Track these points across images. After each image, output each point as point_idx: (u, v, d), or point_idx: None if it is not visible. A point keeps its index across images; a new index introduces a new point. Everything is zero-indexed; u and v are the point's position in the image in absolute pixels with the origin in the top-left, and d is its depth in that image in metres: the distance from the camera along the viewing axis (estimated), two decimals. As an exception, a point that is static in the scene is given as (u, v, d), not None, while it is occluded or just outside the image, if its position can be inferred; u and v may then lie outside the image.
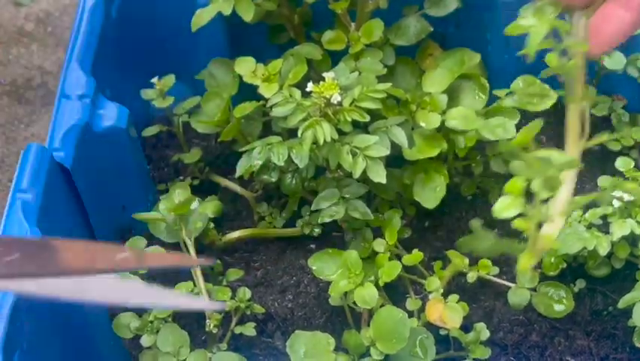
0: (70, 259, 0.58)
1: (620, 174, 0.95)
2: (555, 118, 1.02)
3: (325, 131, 0.82)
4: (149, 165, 1.03)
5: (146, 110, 1.03)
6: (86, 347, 0.81)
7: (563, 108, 0.91)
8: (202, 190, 1.01)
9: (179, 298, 0.67)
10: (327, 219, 0.89)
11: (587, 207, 0.93)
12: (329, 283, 0.93)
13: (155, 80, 0.97)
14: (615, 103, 1.04)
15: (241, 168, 0.88)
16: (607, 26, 0.72)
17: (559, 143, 0.76)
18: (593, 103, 1.04)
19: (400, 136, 0.86)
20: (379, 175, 0.83)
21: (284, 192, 0.94)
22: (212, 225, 0.94)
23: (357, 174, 0.83)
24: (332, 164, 0.85)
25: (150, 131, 1.00)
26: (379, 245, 0.89)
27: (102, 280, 0.58)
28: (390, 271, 0.86)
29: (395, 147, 0.90)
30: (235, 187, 1.01)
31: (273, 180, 0.91)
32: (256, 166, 0.86)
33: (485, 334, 0.84)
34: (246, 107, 0.91)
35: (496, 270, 0.90)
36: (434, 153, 0.90)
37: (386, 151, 0.84)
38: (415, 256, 0.88)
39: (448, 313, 0.84)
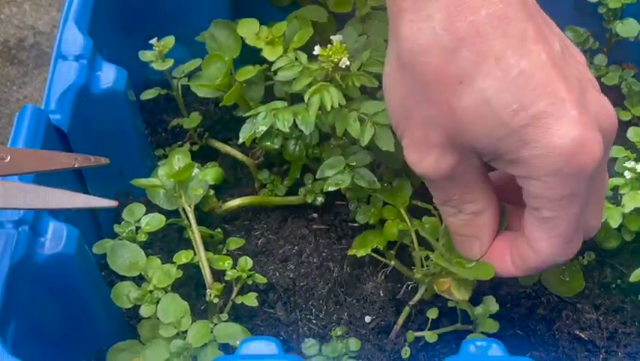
0: None
1: (631, 144, 0.92)
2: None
3: (333, 97, 0.80)
4: (146, 130, 1.00)
5: (145, 73, 0.99)
6: (84, 316, 0.79)
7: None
8: (201, 156, 0.98)
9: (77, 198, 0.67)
10: (332, 188, 0.86)
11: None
12: (331, 253, 0.91)
13: (154, 41, 0.93)
14: (626, 72, 1.02)
15: (244, 134, 0.85)
16: (492, 261, 0.75)
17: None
18: (603, 72, 1.02)
19: None
20: (388, 143, 0.81)
21: (286, 159, 0.91)
22: (212, 192, 0.91)
23: (365, 141, 0.80)
24: (339, 131, 0.82)
25: (149, 94, 0.97)
26: (389, 212, 0.86)
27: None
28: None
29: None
30: (236, 153, 0.98)
31: (276, 146, 0.88)
32: (260, 132, 0.83)
33: (495, 307, 0.82)
34: (249, 71, 0.88)
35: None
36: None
37: None
38: (426, 222, 0.85)
39: (456, 285, 0.81)
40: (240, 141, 0.85)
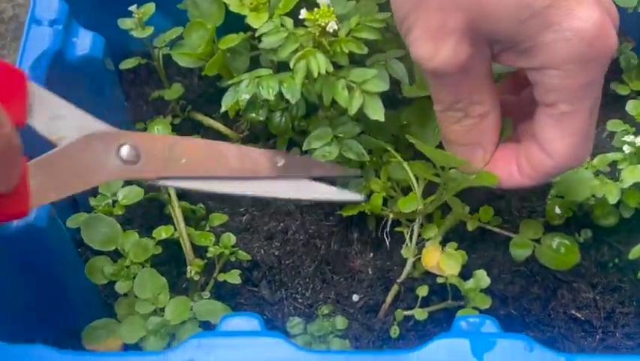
0: (236, 164, 0.68)
1: (629, 118, 0.89)
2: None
3: (320, 63, 0.76)
4: (126, 103, 0.96)
5: (124, 42, 0.95)
6: (57, 293, 0.76)
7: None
8: (183, 130, 0.95)
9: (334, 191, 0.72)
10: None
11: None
12: (318, 230, 0.88)
13: (133, 8, 0.89)
14: (624, 45, 0.99)
15: (226, 103, 0.81)
16: (496, 170, 0.73)
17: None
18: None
19: (400, 70, 0.80)
20: (377, 112, 0.77)
21: (272, 132, 0.88)
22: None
23: (353, 110, 0.76)
24: (326, 100, 0.78)
25: (128, 63, 0.93)
26: (375, 184, 0.83)
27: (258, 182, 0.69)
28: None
29: (391, 86, 0.84)
30: (219, 127, 0.94)
31: (261, 118, 0.84)
32: (243, 102, 0.79)
33: (486, 281, 0.78)
34: (233, 39, 0.84)
35: (498, 220, 0.85)
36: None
37: (385, 86, 0.77)
38: (410, 199, 0.82)
39: (445, 260, 0.79)
40: (222, 110, 0.81)
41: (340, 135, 0.82)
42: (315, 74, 0.75)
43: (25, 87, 0.60)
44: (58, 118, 0.63)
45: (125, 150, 0.64)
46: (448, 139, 0.74)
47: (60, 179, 0.62)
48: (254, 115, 0.84)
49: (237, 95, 0.79)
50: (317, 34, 0.76)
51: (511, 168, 0.72)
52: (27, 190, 0.57)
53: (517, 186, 0.73)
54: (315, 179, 0.71)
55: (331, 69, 0.77)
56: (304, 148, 0.82)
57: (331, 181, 0.73)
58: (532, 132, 0.70)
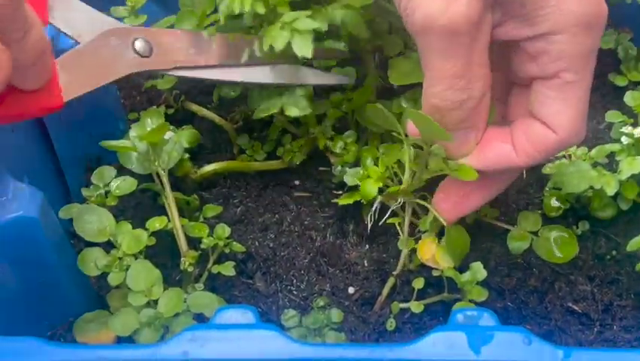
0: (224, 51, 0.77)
1: (627, 109, 0.88)
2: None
3: None
4: (119, 93, 0.95)
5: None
6: (49, 285, 0.74)
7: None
8: (177, 120, 0.94)
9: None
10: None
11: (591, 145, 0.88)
12: (314, 221, 0.87)
13: (126, -4, 0.89)
14: (622, 36, 0.98)
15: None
16: (490, 150, 0.71)
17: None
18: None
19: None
20: (304, 48, 0.74)
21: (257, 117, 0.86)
22: (187, 156, 0.86)
23: (278, 47, 0.74)
24: (265, 45, 0.76)
25: (121, 53, 0.92)
26: (372, 170, 0.82)
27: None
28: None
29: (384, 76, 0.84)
30: (213, 117, 0.93)
31: (233, 93, 0.87)
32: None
33: (482, 274, 0.77)
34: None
35: (494, 212, 0.84)
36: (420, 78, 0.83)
37: (316, 24, 0.75)
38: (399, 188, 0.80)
39: (441, 253, 0.78)
40: (215, 99, 0.80)
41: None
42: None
43: None
44: (76, 17, 0.69)
45: (139, 44, 0.72)
46: (446, 127, 0.71)
47: (86, 74, 0.69)
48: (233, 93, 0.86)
49: None
50: None
51: (506, 148, 0.71)
52: (58, 85, 0.62)
53: (512, 165, 0.71)
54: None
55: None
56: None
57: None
58: (529, 110, 0.69)
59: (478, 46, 0.65)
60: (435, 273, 0.79)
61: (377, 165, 0.82)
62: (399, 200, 0.79)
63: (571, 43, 0.64)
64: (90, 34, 0.70)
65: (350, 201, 0.82)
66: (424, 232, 0.81)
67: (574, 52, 0.64)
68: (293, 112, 0.80)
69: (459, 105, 0.67)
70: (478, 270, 0.78)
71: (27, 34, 0.53)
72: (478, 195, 0.76)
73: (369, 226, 0.83)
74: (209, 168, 0.88)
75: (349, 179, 0.83)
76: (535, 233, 0.81)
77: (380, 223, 0.82)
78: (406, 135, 0.73)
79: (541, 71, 0.66)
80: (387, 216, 0.80)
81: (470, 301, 0.77)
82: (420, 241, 0.80)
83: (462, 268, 0.78)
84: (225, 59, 0.77)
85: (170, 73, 0.74)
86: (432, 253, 0.78)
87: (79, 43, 0.70)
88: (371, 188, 0.81)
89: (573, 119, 0.67)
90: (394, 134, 0.75)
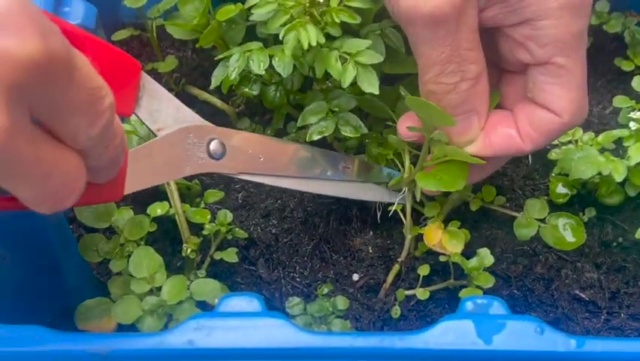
0: (307, 165, 0.77)
1: (635, 94, 0.87)
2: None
3: (310, 34, 0.73)
4: (118, 76, 0.93)
5: (116, 13, 0.93)
6: (49, 271, 0.73)
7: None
8: (178, 104, 0.92)
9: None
10: (317, 137, 0.80)
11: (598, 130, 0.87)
12: (317, 207, 0.86)
13: (127, -24, 0.87)
14: (629, 19, 0.96)
15: (217, 77, 0.78)
16: (495, 136, 0.70)
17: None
18: (605, 19, 0.96)
19: (396, 40, 0.77)
20: (372, 84, 0.74)
21: (267, 106, 0.85)
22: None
23: (346, 82, 0.74)
24: (318, 72, 0.76)
25: (121, 34, 0.90)
26: (376, 150, 0.81)
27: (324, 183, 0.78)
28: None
29: (389, 63, 0.82)
30: (215, 101, 0.91)
31: (255, 92, 0.82)
32: (233, 76, 0.77)
33: (489, 260, 0.76)
34: (230, 10, 0.81)
35: (500, 199, 0.83)
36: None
37: (380, 57, 0.75)
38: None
39: (448, 238, 0.77)
40: (212, 85, 0.78)
41: (336, 109, 0.79)
42: (306, 46, 0.73)
43: (139, 78, 0.64)
44: (161, 109, 0.68)
45: (213, 145, 0.71)
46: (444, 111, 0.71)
47: (153, 169, 0.67)
48: (247, 90, 0.81)
49: (227, 69, 0.77)
50: (307, 4, 0.73)
51: (510, 133, 0.70)
52: (124, 179, 0.58)
53: (517, 151, 0.70)
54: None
55: (323, 40, 0.74)
56: (299, 124, 0.80)
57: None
58: (529, 96, 0.68)
59: (465, 30, 0.64)
60: (442, 259, 0.78)
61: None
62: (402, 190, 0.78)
63: (557, 27, 0.63)
64: (170, 128, 0.69)
65: None
66: (429, 218, 0.80)
67: (562, 36, 0.64)
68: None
69: (453, 88, 0.67)
70: (485, 256, 0.77)
71: (109, 145, 0.49)
72: (475, 175, 0.75)
73: (379, 215, 0.82)
74: (211, 152, 0.86)
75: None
76: (542, 220, 0.79)
77: (384, 210, 0.81)
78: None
79: (532, 57, 0.66)
80: (394, 205, 0.79)
81: (477, 287, 0.76)
82: (426, 227, 0.79)
83: (467, 255, 0.77)
84: (297, 170, 0.77)
85: (236, 177, 0.74)
86: (438, 238, 0.77)
87: (156, 135, 0.69)
88: None
89: (575, 100, 0.66)
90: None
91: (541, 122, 0.68)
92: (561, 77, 0.65)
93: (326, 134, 0.79)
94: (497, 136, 0.70)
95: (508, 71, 0.72)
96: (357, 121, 0.79)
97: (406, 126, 0.71)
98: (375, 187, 0.80)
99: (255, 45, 0.78)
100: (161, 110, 0.68)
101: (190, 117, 0.71)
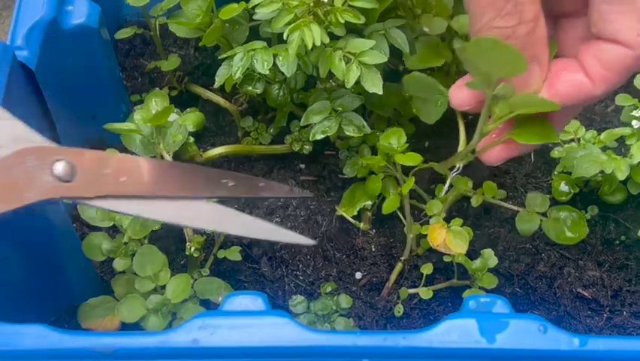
0: (178, 182, 0.62)
1: (637, 93, 0.87)
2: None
3: (314, 34, 0.73)
4: (122, 74, 0.94)
5: (119, 12, 0.93)
6: (53, 270, 0.73)
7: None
8: (181, 102, 0.92)
9: (279, 232, 0.64)
10: (320, 136, 0.80)
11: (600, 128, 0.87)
12: (320, 206, 0.86)
13: (130, -25, 0.87)
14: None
15: (220, 77, 0.78)
16: (561, 84, 0.63)
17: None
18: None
19: (400, 39, 0.77)
20: (375, 85, 0.74)
21: (270, 105, 0.85)
22: (192, 139, 0.85)
23: (350, 82, 0.74)
24: (322, 72, 0.76)
25: (124, 33, 0.90)
26: (377, 162, 0.80)
27: (206, 206, 0.62)
28: (390, 203, 0.79)
29: (392, 60, 0.82)
30: (218, 100, 0.91)
31: (258, 91, 0.82)
32: (237, 75, 0.77)
33: (493, 261, 0.77)
34: (233, 9, 0.81)
35: (502, 194, 0.83)
36: (438, 62, 0.82)
37: (384, 58, 0.75)
38: (409, 184, 0.78)
39: (452, 238, 0.76)
40: (216, 85, 0.78)
41: (339, 109, 0.80)
42: (310, 46, 0.73)
43: None
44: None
45: (60, 167, 0.60)
46: None
47: None
48: (250, 88, 0.82)
49: (231, 69, 0.77)
50: (311, 4, 0.73)
51: (578, 78, 0.62)
52: None
53: (587, 96, 0.62)
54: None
55: (327, 40, 0.74)
56: (302, 123, 0.80)
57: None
58: (593, 32, 0.61)
59: None
60: (446, 259, 0.78)
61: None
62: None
63: None
64: (6, 149, 0.59)
65: (354, 211, 0.83)
66: (431, 216, 0.80)
67: None
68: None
69: (511, 32, 0.60)
70: (490, 257, 0.77)
71: None
72: None
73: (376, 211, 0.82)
74: (215, 151, 0.87)
75: (348, 170, 0.83)
76: (544, 214, 0.79)
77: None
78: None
79: None
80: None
81: (480, 288, 0.76)
82: (429, 227, 0.79)
83: (470, 253, 0.77)
84: (171, 189, 0.62)
85: (92, 203, 0.61)
86: (442, 238, 0.76)
87: None
88: (376, 185, 0.80)
89: None
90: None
91: (612, 58, 0.61)
92: (630, 3, 0.59)
93: (329, 134, 0.80)
94: (563, 83, 0.63)
95: (566, 16, 0.66)
96: (360, 121, 0.80)
97: (465, 83, 0.64)
98: (265, 224, 0.63)
99: (259, 44, 0.78)
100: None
101: (29, 136, 0.61)
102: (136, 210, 0.61)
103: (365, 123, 0.80)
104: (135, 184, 0.61)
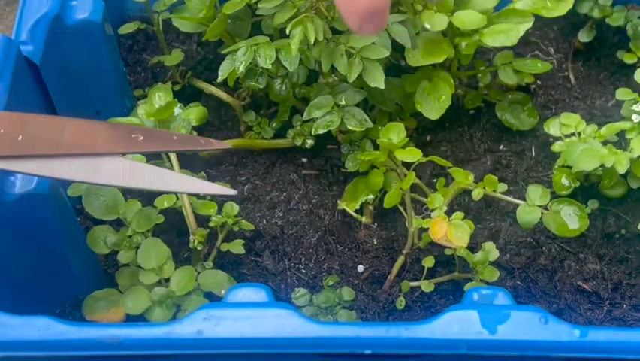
0: (81, 138, 0.57)
1: (637, 87, 0.87)
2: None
3: (317, 29, 0.74)
4: (125, 69, 0.94)
5: (122, 7, 0.93)
6: (58, 262, 0.74)
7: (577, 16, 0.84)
8: (183, 97, 0.93)
9: (195, 183, 0.61)
10: (322, 131, 0.81)
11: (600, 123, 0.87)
12: (322, 199, 0.86)
13: (133, -30, 0.87)
14: (631, 13, 0.97)
15: (224, 71, 0.79)
16: None
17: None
18: (607, 13, 0.97)
19: (402, 35, 0.78)
20: (377, 79, 0.75)
21: (273, 99, 0.86)
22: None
23: (352, 77, 0.75)
24: (324, 66, 0.76)
25: (127, 28, 0.91)
26: (377, 158, 0.81)
27: (114, 162, 0.58)
28: (392, 197, 0.79)
29: (394, 54, 0.83)
30: (220, 94, 0.92)
31: (261, 86, 0.83)
32: (240, 69, 0.77)
33: (495, 254, 0.77)
34: (236, 4, 0.82)
35: (503, 187, 0.83)
36: (440, 59, 0.82)
37: (386, 52, 0.75)
38: (409, 179, 0.79)
39: (454, 231, 0.77)
40: (219, 79, 0.79)
41: (341, 103, 0.80)
42: (312, 41, 0.73)
43: None
44: None
45: None
46: None
47: None
48: (253, 83, 0.82)
49: (234, 63, 0.77)
50: None
51: None
52: None
53: None
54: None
55: (329, 35, 0.75)
56: (305, 117, 0.81)
57: None
58: None
59: None
60: (447, 252, 0.78)
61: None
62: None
63: None
64: None
65: (356, 205, 0.83)
66: (432, 210, 0.80)
67: None
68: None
69: None
70: (491, 250, 0.77)
71: None
72: None
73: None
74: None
75: (350, 165, 0.83)
76: (545, 207, 0.80)
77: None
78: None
79: None
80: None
81: (481, 281, 0.76)
82: (431, 220, 0.79)
83: (471, 246, 0.78)
84: (72, 147, 0.58)
85: None
86: (444, 231, 0.77)
87: None
88: (378, 179, 0.80)
89: None
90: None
91: None
92: None
93: (331, 128, 0.80)
94: None
95: None
96: (362, 115, 0.80)
97: None
98: (180, 176, 0.61)
99: (262, 39, 0.79)
100: None
101: None
102: (35, 170, 0.57)
103: (367, 117, 0.80)
104: (34, 142, 0.57)
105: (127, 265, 0.75)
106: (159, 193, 0.74)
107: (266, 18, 0.86)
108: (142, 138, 0.59)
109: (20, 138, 0.57)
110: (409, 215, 0.80)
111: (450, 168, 0.81)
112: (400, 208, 0.82)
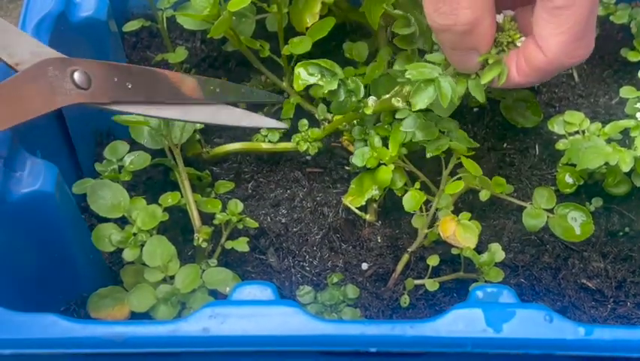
0: (178, 88, 0.76)
1: (642, 85, 0.88)
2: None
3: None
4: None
5: (126, 5, 0.93)
6: (63, 260, 0.74)
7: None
8: (188, 94, 0.93)
9: (257, 119, 0.83)
10: None
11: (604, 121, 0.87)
12: (326, 197, 0.87)
13: (137, -32, 0.88)
14: (635, 10, 0.97)
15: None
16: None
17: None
18: (611, 10, 0.97)
19: None
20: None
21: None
22: (198, 136, 0.86)
23: None
24: None
25: (131, 25, 0.91)
26: (385, 155, 0.81)
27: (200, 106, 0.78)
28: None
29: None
30: (224, 91, 0.92)
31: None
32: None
33: (500, 255, 0.77)
34: (242, 1, 0.81)
35: (510, 188, 0.83)
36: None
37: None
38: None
39: (462, 231, 0.77)
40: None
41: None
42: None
43: None
44: (12, 44, 0.68)
45: (77, 75, 0.69)
46: (443, 46, 0.70)
47: (22, 104, 0.65)
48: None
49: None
50: None
51: (511, 69, 0.70)
52: None
53: (515, 84, 0.70)
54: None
55: None
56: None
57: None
58: (530, 28, 0.68)
59: None
60: (454, 251, 0.78)
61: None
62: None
63: None
64: (29, 63, 0.68)
65: (362, 201, 0.83)
66: (438, 209, 0.80)
67: None
68: None
69: (448, 28, 0.66)
70: (497, 251, 0.77)
71: None
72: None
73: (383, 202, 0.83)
74: (221, 149, 0.88)
75: (357, 160, 0.83)
76: (551, 210, 0.80)
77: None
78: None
79: None
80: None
81: (487, 282, 0.76)
82: (441, 219, 0.79)
83: (478, 245, 0.78)
84: (167, 96, 0.75)
85: (109, 107, 0.72)
86: (452, 230, 0.77)
87: (17, 71, 0.68)
88: (387, 175, 0.80)
89: (562, 43, 0.66)
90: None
91: (530, 57, 0.68)
92: (556, 16, 0.65)
93: None
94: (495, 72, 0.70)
95: (524, 4, 0.71)
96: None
97: None
98: (247, 113, 0.81)
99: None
100: (15, 44, 0.68)
101: (46, 50, 0.70)
102: (141, 111, 0.74)
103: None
104: (139, 90, 0.73)
105: (132, 263, 0.75)
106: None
107: (270, 16, 0.86)
108: (219, 90, 0.79)
109: (130, 86, 0.72)
110: (418, 215, 0.80)
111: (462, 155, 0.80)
112: (403, 206, 0.82)
